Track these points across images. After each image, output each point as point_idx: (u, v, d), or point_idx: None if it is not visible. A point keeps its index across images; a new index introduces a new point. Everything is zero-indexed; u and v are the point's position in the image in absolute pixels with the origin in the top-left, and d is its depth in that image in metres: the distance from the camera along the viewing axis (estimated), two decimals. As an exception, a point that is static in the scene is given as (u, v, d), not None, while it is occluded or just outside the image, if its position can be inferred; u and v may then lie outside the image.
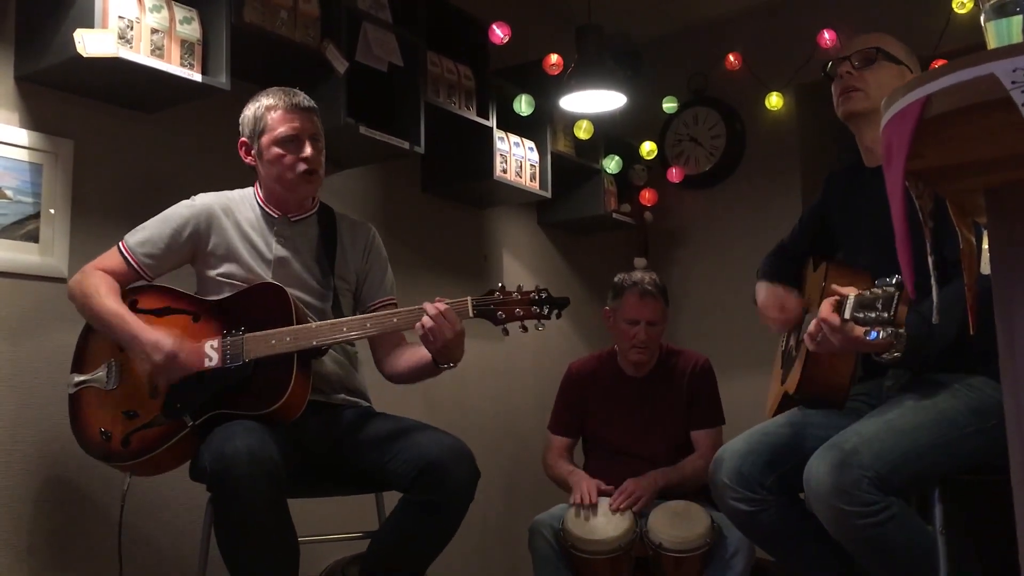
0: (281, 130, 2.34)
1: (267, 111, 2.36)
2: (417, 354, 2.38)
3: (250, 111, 2.40)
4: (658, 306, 3.13)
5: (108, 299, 2.23)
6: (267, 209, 2.43)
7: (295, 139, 2.35)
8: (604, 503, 2.94)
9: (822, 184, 2.49)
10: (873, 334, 1.76)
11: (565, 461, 3.22)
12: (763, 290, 2.45)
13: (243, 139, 2.42)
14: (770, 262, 2.55)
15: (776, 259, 2.55)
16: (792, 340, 2.42)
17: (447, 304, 2.19)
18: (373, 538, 2.35)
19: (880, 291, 1.75)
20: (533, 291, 2.23)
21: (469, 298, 2.22)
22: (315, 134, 2.39)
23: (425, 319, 2.17)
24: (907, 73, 2.21)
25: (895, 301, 1.72)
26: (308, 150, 2.35)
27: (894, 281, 1.73)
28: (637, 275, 3.20)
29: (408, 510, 2.21)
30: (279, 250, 2.40)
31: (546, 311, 2.22)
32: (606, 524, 2.86)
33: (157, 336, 2.17)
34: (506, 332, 2.24)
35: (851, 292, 1.86)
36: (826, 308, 1.90)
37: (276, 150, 2.35)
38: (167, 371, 2.16)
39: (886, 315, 1.72)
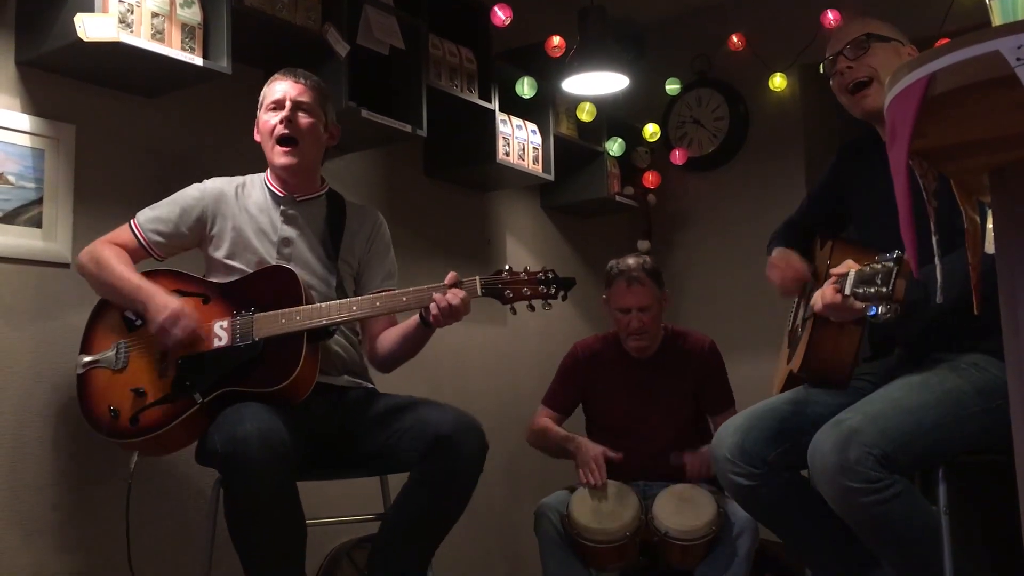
0: (271, 97, 2.40)
1: (267, 85, 2.44)
2: (403, 325, 2.40)
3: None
4: (646, 291, 3.09)
5: (121, 267, 2.28)
6: (274, 189, 2.45)
7: (279, 103, 2.39)
8: (610, 486, 2.94)
9: (835, 156, 2.46)
10: (873, 310, 1.78)
11: (557, 427, 3.19)
12: (773, 253, 2.47)
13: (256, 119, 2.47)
14: (779, 235, 2.55)
15: (785, 232, 2.54)
16: (798, 319, 2.42)
17: (462, 294, 2.20)
18: (383, 519, 2.35)
19: (880, 266, 1.76)
20: (540, 271, 2.28)
21: (477, 277, 2.24)
22: (302, 103, 2.40)
23: (433, 308, 2.20)
24: (900, 47, 2.20)
25: (893, 275, 1.73)
26: (286, 111, 2.37)
27: (894, 256, 1.74)
28: (627, 261, 3.15)
29: (418, 485, 2.22)
30: (285, 230, 2.41)
31: (553, 291, 2.26)
32: (611, 512, 2.85)
33: (166, 299, 2.22)
34: (514, 311, 2.28)
35: (851, 268, 1.88)
36: (829, 289, 1.95)
37: (264, 116, 2.41)
38: (170, 329, 2.18)
39: (884, 290, 1.73)
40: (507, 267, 2.29)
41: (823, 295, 1.96)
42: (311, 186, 2.48)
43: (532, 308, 2.28)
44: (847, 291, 1.86)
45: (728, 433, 2.25)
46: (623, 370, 3.21)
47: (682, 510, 2.83)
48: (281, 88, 2.40)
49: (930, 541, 1.92)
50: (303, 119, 2.39)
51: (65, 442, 2.48)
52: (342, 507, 2.73)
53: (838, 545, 2.17)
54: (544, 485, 3.34)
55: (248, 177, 2.50)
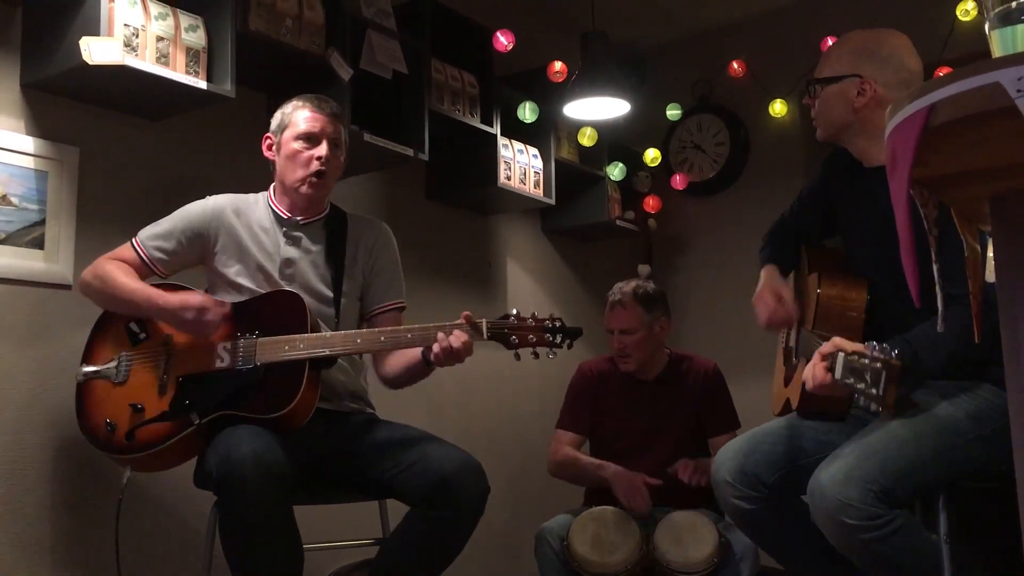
0: (303, 127, 2.41)
1: (295, 109, 2.43)
2: (409, 353, 2.39)
3: (279, 111, 2.46)
4: (628, 314, 3.12)
5: (127, 278, 2.28)
6: (278, 210, 2.46)
7: (314, 137, 2.40)
8: (610, 514, 2.91)
9: (822, 165, 2.47)
10: (862, 400, 1.75)
11: (585, 456, 3.20)
12: (763, 276, 2.45)
13: (268, 134, 2.47)
14: (772, 244, 2.55)
15: (777, 240, 2.55)
16: (793, 339, 2.42)
17: (465, 339, 2.19)
18: (380, 551, 2.34)
19: (868, 360, 1.70)
20: (547, 319, 2.26)
21: (484, 320, 2.23)
22: (336, 139, 2.44)
23: (436, 347, 2.20)
24: (850, 85, 2.19)
25: (883, 380, 1.65)
26: (323, 149, 2.40)
27: (880, 353, 1.67)
28: (619, 285, 3.20)
29: (417, 524, 2.21)
30: (287, 250, 2.41)
31: (559, 340, 2.24)
32: (612, 543, 2.82)
33: (182, 297, 2.21)
34: (518, 357, 2.24)
35: (840, 348, 1.84)
36: (820, 367, 1.90)
37: (294, 145, 2.40)
38: (202, 325, 2.20)
39: (875, 392, 1.67)
40: (515, 312, 2.26)
41: (813, 375, 1.92)
42: (318, 209, 2.49)
43: (536, 356, 2.25)
44: (837, 375, 1.83)
45: (728, 456, 2.25)
46: (626, 391, 3.21)
47: (684, 540, 2.80)
48: (316, 121, 2.41)
49: (932, 570, 1.91)
50: (336, 157, 2.44)
51: (62, 463, 2.47)
52: (340, 531, 2.72)
53: (838, 572, 2.16)
54: (545, 507, 3.32)
55: (251, 195, 2.50)
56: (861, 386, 1.71)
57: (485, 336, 2.22)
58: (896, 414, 1.90)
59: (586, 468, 3.12)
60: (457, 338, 2.19)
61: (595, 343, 4.28)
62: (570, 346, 2.27)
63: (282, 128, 2.43)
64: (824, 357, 1.91)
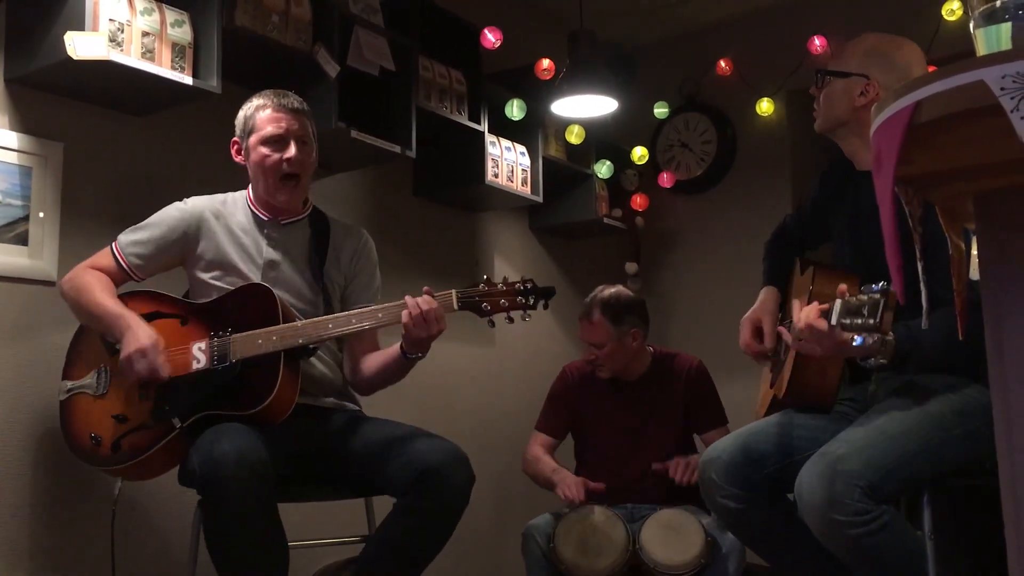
0: (268, 129, 2.35)
1: (256, 110, 2.38)
2: (385, 352, 2.38)
3: (242, 111, 2.41)
4: (595, 329, 3.12)
5: (99, 294, 2.25)
6: (257, 212, 2.43)
7: (281, 139, 2.35)
8: (597, 514, 2.91)
9: (818, 179, 2.51)
10: (859, 339, 1.78)
11: (548, 457, 3.19)
12: (759, 298, 2.48)
13: (235, 138, 2.43)
14: (772, 254, 2.57)
15: (778, 250, 2.58)
16: (780, 344, 2.43)
17: (434, 304, 2.18)
18: (367, 544, 2.33)
19: (866, 297, 1.76)
20: (518, 281, 2.23)
21: (454, 291, 2.21)
22: (303, 136, 2.38)
23: (405, 314, 2.17)
24: (856, 84, 2.22)
25: (880, 307, 1.72)
26: (292, 151, 2.34)
27: (879, 287, 1.74)
28: (595, 291, 3.20)
29: (404, 516, 2.20)
30: (269, 253, 2.40)
31: (532, 301, 2.21)
32: (599, 546, 2.81)
33: (140, 332, 2.16)
34: (492, 324, 2.22)
35: (837, 299, 1.88)
36: (813, 313, 1.94)
37: (262, 149, 2.35)
38: (134, 364, 2.14)
39: (872, 321, 1.73)
40: (485, 277, 2.24)
41: (809, 321, 1.94)
42: (298, 209, 2.47)
43: (511, 320, 2.23)
44: (833, 320, 1.86)
45: (716, 456, 2.25)
46: (611, 393, 3.21)
47: (671, 541, 2.80)
48: (281, 121, 2.35)
49: (917, 567, 1.92)
50: (304, 155, 2.37)
51: (47, 463, 2.46)
52: (326, 529, 2.71)
53: (825, 571, 2.17)
54: (531, 506, 3.33)
55: (229, 195, 2.47)
56: (858, 322, 1.76)
57: (456, 307, 2.20)
58: (896, 346, 1.92)
59: (542, 471, 3.12)
60: (426, 302, 2.17)
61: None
62: (546, 306, 2.23)
63: (248, 132, 2.38)
64: (821, 310, 1.93)
